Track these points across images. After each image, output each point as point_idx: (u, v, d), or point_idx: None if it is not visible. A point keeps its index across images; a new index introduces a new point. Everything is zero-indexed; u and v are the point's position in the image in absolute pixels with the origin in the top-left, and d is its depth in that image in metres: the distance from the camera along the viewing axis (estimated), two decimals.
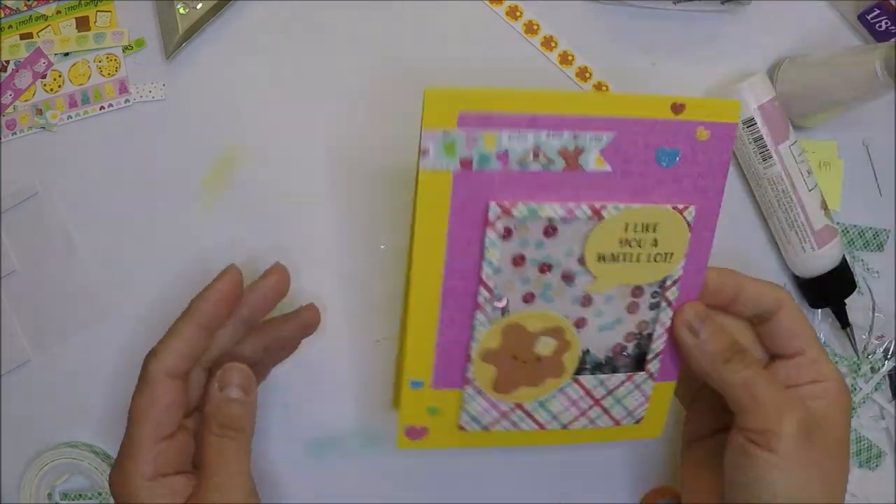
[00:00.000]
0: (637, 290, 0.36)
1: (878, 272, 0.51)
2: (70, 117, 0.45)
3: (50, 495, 0.45)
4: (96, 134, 0.45)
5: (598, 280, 0.35)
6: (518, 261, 0.34)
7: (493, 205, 0.33)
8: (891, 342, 0.51)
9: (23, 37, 0.45)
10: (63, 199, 0.45)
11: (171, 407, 0.35)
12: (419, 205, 0.33)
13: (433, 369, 0.36)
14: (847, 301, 0.48)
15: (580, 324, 0.36)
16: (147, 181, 0.45)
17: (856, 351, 0.49)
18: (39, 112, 0.45)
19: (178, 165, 0.45)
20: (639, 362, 0.38)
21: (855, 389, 0.50)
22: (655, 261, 0.35)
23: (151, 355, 0.36)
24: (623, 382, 0.38)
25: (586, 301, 0.36)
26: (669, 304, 0.36)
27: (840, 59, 0.46)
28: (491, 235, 0.33)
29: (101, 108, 0.45)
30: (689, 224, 0.35)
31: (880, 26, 0.49)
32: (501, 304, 0.35)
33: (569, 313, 0.36)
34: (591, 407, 0.38)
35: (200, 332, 0.36)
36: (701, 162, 0.34)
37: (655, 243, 0.35)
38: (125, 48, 0.45)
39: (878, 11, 0.48)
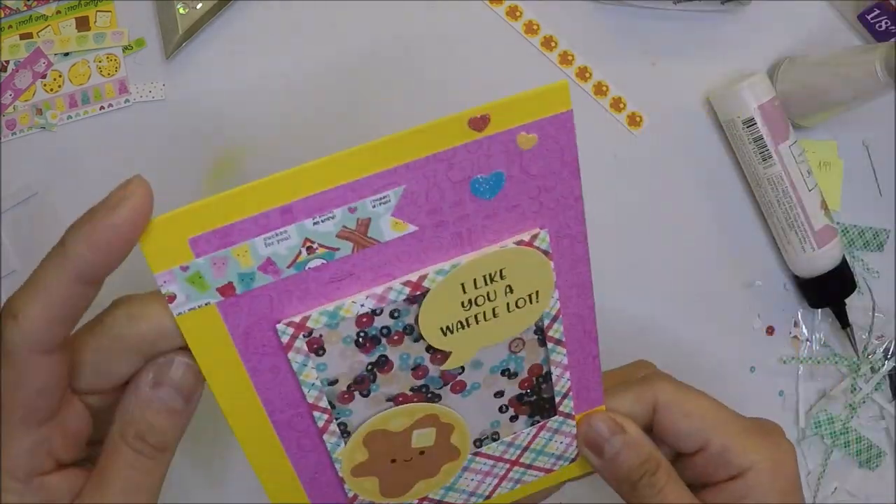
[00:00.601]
0: (513, 342, 0.30)
1: (878, 272, 0.51)
2: (70, 117, 0.45)
3: None
4: (96, 134, 0.45)
5: (454, 355, 0.29)
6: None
7: (280, 326, 0.26)
8: (891, 342, 0.51)
9: (23, 37, 0.45)
10: (63, 199, 0.45)
11: (46, 389, 0.25)
12: (195, 354, 0.26)
13: (307, 496, 0.30)
14: (847, 301, 0.48)
15: (455, 395, 0.30)
16: (147, 181, 0.45)
17: (856, 351, 0.49)
18: (39, 112, 0.45)
19: (178, 165, 0.45)
20: (548, 409, 0.32)
21: (855, 389, 0.50)
22: (518, 307, 0.28)
23: (10, 318, 0.24)
24: (536, 435, 0.32)
25: (449, 376, 0.30)
26: (559, 342, 0.30)
27: (840, 59, 0.46)
28: (297, 358, 0.27)
29: (101, 108, 0.45)
30: (545, 252, 0.28)
31: (880, 26, 0.49)
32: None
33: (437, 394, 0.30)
34: (510, 469, 0.33)
35: (79, 288, 0.25)
36: (537, 173, 0.27)
37: (510, 290, 0.28)
38: (125, 48, 0.45)
39: (878, 11, 0.48)
